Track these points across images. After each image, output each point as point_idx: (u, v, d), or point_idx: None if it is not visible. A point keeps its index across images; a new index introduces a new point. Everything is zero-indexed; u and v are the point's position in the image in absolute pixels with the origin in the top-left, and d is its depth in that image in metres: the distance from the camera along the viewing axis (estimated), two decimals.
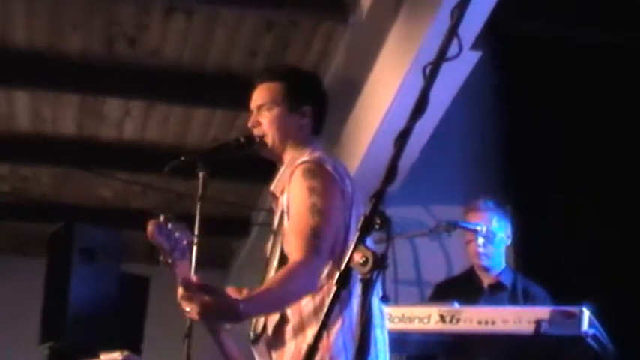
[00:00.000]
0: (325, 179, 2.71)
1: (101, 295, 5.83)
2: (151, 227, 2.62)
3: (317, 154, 2.81)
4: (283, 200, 2.78)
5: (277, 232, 2.82)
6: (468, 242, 4.47)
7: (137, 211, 7.99)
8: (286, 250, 2.73)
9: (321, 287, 2.65)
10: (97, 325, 5.67)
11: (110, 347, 4.77)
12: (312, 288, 2.61)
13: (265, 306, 2.65)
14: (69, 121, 6.59)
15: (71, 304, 5.68)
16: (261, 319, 2.80)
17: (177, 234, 2.61)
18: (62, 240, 5.99)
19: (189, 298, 2.53)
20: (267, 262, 2.85)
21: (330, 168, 2.74)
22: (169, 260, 2.60)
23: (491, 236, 4.38)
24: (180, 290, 2.56)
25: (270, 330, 2.77)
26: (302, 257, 2.60)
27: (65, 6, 5.29)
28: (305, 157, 2.78)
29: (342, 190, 2.72)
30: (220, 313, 2.54)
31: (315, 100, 2.97)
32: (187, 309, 2.54)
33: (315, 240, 2.61)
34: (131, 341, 5.87)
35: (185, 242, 2.62)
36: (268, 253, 2.87)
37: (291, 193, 2.73)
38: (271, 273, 2.78)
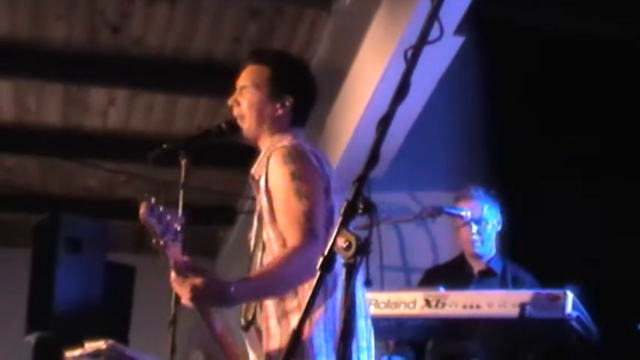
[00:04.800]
0: (304, 163, 2.70)
1: (87, 285, 5.83)
2: (142, 209, 2.59)
3: (295, 141, 2.78)
4: (261, 182, 2.76)
5: (259, 224, 2.81)
6: (458, 228, 4.49)
7: (122, 201, 7.98)
8: (275, 237, 2.70)
9: None
10: (83, 315, 5.68)
11: (96, 337, 4.76)
12: (309, 275, 2.49)
13: (258, 291, 2.63)
14: (53, 110, 6.56)
15: (57, 295, 5.69)
16: (252, 307, 2.78)
17: (168, 217, 2.60)
18: (47, 230, 5.99)
19: (181, 282, 2.52)
20: (252, 252, 2.83)
21: (307, 152, 2.73)
22: (161, 242, 2.58)
23: (483, 223, 4.40)
24: (172, 273, 2.56)
25: (259, 317, 2.77)
26: (298, 243, 2.57)
27: None
28: (283, 142, 2.76)
29: (321, 175, 2.72)
30: (211, 295, 2.52)
31: (298, 92, 2.91)
32: (179, 292, 2.54)
33: (309, 224, 2.59)
34: (118, 331, 5.88)
35: (176, 225, 2.61)
36: (252, 242, 2.86)
37: (272, 178, 2.71)
38: (257, 262, 2.77)
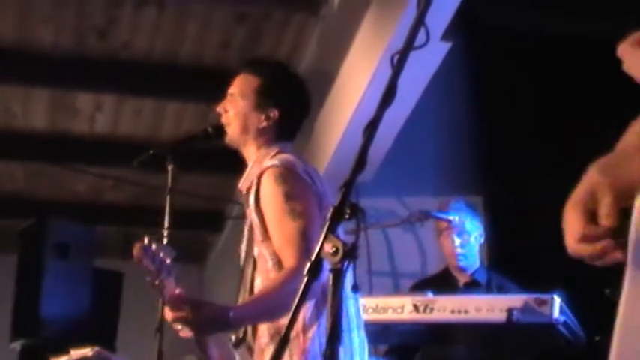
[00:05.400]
0: (297, 182, 2.69)
1: (74, 291, 5.80)
2: (137, 251, 2.59)
3: (285, 156, 2.76)
4: (251, 200, 2.75)
5: (249, 237, 2.80)
6: (440, 235, 4.50)
7: (110, 206, 7.96)
8: (269, 254, 2.69)
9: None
10: (70, 322, 5.65)
11: (83, 343, 4.75)
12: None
13: (257, 314, 2.64)
14: (40, 115, 6.54)
15: (44, 301, 5.65)
16: None
17: (161, 253, 2.61)
18: (34, 236, 5.95)
19: (178, 318, 2.53)
20: (242, 270, 2.83)
21: (299, 171, 2.71)
22: (157, 282, 2.59)
23: (465, 236, 4.42)
24: (167, 311, 2.57)
25: (250, 333, 2.76)
26: (295, 263, 2.55)
27: (34, 0, 5.24)
28: (275, 161, 2.73)
29: (314, 192, 2.71)
30: (212, 322, 2.54)
31: (286, 105, 2.88)
32: (179, 327, 2.55)
33: (304, 243, 2.57)
34: (105, 337, 5.85)
35: (168, 260, 2.62)
36: (242, 259, 2.86)
37: (264, 199, 2.70)
38: (247, 278, 2.77)
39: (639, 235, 1.22)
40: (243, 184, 2.86)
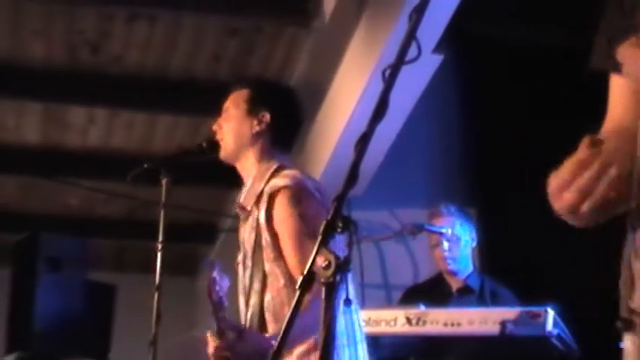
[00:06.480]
0: (310, 202, 2.73)
1: (67, 304, 5.78)
2: (214, 273, 2.62)
3: (293, 173, 2.80)
4: (261, 218, 2.77)
5: (256, 249, 2.81)
6: (434, 247, 4.50)
7: (102, 219, 7.95)
8: (281, 273, 2.73)
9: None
10: (63, 335, 5.63)
11: (77, 356, 4.74)
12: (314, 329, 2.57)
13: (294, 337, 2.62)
14: (32, 129, 6.54)
15: (37, 314, 5.64)
16: None
17: (223, 283, 2.63)
18: (27, 249, 5.94)
19: (226, 347, 2.57)
20: (249, 286, 2.83)
21: (311, 189, 2.76)
22: (219, 315, 2.62)
23: (455, 240, 4.42)
24: (214, 341, 2.60)
25: None
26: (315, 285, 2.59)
27: (26, 14, 5.25)
28: (287, 180, 2.76)
29: (325, 209, 2.73)
30: (256, 354, 2.59)
31: (276, 109, 2.93)
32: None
33: None
34: (98, 350, 5.84)
35: (225, 290, 2.64)
36: (245, 271, 2.86)
37: (279, 220, 2.73)
38: (255, 296, 2.79)
39: None
40: (246, 200, 2.87)
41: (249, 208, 2.84)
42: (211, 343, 2.61)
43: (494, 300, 4.36)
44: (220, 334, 2.60)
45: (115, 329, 6.39)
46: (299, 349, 2.67)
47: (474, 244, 4.51)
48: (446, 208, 4.46)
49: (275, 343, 2.52)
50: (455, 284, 4.50)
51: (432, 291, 4.48)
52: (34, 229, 6.12)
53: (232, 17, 5.29)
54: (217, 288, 2.62)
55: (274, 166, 2.85)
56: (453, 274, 4.48)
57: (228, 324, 2.61)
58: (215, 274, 2.62)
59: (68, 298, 5.81)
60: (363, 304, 3.74)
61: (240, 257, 2.91)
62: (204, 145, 2.95)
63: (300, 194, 2.73)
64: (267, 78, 3.24)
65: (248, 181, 2.89)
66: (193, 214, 7.39)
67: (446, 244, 4.40)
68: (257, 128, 2.89)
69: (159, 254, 2.75)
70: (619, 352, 1.39)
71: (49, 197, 7.60)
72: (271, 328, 2.74)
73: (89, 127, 6.53)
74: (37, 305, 5.67)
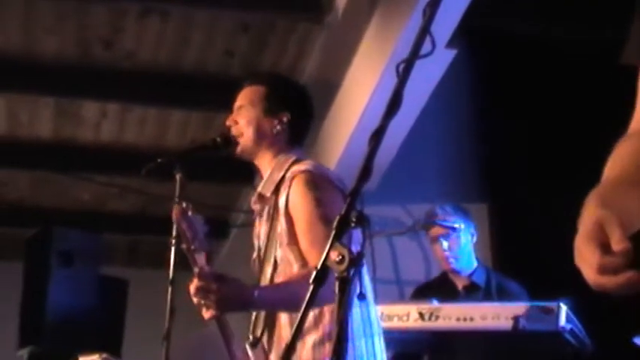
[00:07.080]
0: (329, 188, 2.74)
1: (80, 299, 5.81)
2: (176, 211, 2.65)
3: (314, 162, 2.83)
4: (281, 202, 2.77)
5: (270, 236, 2.81)
6: (432, 243, 4.49)
7: (115, 214, 7.97)
8: (295, 257, 2.72)
9: None
10: (75, 329, 5.66)
11: (90, 351, 4.76)
12: (330, 299, 2.52)
13: (278, 301, 2.65)
14: (45, 124, 6.56)
15: (49, 308, 5.67)
16: (260, 324, 2.79)
17: (197, 224, 2.64)
18: (40, 244, 5.97)
19: (203, 289, 2.55)
20: (260, 268, 2.84)
21: (333, 178, 2.78)
22: (192, 247, 2.63)
23: (455, 238, 4.40)
24: (195, 282, 2.59)
25: (267, 335, 2.77)
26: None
27: (39, 10, 5.26)
28: (307, 166, 2.78)
29: (345, 198, 2.72)
30: (236, 301, 2.58)
31: (294, 109, 2.95)
32: (201, 302, 2.57)
33: None
34: (110, 344, 5.86)
35: (202, 233, 2.64)
36: (257, 255, 2.87)
37: (295, 203, 2.73)
38: (267, 277, 2.78)
39: None
40: (264, 188, 2.88)
41: (268, 194, 2.85)
42: (192, 285, 2.59)
43: (501, 295, 4.34)
44: (201, 276, 2.59)
45: (127, 324, 6.42)
46: (313, 337, 2.67)
47: (474, 239, 4.49)
48: (441, 209, 4.45)
49: (257, 293, 2.55)
50: (460, 282, 4.48)
51: (440, 290, 4.47)
52: (46, 223, 6.15)
53: (245, 12, 5.29)
54: (187, 221, 2.65)
55: (293, 158, 2.88)
56: (457, 272, 4.47)
57: (208, 271, 2.62)
58: (184, 206, 2.65)
59: (81, 293, 5.84)
60: (376, 300, 3.74)
61: (254, 255, 2.91)
62: (219, 140, 2.95)
63: (318, 179, 2.75)
64: (280, 74, 3.22)
65: (266, 173, 2.90)
66: (205, 209, 7.38)
67: (445, 244, 4.40)
68: (278, 128, 2.91)
69: (172, 249, 2.75)
70: (632, 347, 1.38)
71: (61, 192, 7.62)
72: (282, 316, 2.73)
73: (102, 122, 6.54)
74: (49, 300, 5.70)
